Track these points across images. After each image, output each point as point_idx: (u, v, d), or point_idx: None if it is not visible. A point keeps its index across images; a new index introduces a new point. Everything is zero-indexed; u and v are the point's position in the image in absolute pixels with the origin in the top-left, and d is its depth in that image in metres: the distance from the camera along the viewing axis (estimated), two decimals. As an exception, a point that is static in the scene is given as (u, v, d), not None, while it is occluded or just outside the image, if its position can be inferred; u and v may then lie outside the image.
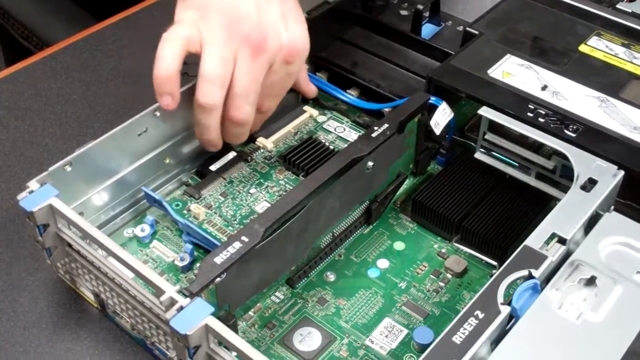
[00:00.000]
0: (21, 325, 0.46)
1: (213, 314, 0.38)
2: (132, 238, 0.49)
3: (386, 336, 0.44)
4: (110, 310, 0.45)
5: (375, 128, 0.47)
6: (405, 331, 0.44)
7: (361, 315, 0.45)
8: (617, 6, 0.58)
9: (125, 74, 0.63)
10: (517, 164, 0.49)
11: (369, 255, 0.48)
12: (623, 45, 0.54)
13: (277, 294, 0.46)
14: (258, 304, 0.45)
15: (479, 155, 0.50)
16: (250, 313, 0.45)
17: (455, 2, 0.62)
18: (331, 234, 0.48)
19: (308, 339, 0.43)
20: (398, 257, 0.48)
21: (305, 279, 0.47)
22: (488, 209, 0.48)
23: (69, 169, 0.45)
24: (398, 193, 0.51)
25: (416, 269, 0.47)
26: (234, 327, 0.42)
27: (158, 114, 0.48)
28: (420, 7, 0.58)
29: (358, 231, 0.49)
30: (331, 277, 0.47)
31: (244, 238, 0.40)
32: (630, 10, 0.57)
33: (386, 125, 0.47)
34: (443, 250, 0.48)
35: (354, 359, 0.42)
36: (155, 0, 0.70)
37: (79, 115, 0.59)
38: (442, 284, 0.46)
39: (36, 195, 0.43)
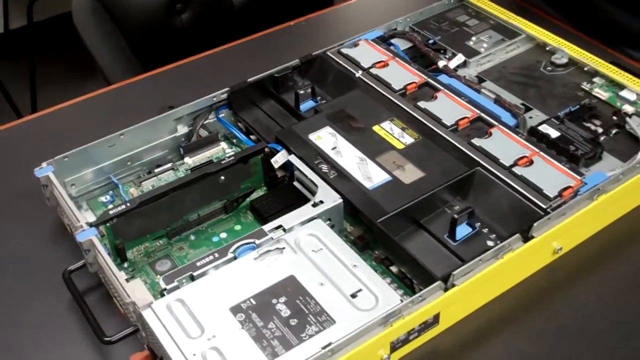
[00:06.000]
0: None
1: (112, 242, 0.77)
2: (102, 202, 0.89)
3: (202, 269, 0.81)
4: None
5: (225, 159, 0.84)
6: (212, 268, 0.81)
7: (194, 257, 0.82)
8: (418, 104, 0.90)
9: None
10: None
11: (217, 229, 0.85)
12: (402, 128, 0.87)
13: (160, 240, 0.84)
14: (145, 244, 0.83)
15: (296, 183, 0.86)
16: (140, 247, 0.83)
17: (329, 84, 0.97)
18: (197, 214, 0.85)
19: (164, 265, 0.81)
20: (233, 232, 0.85)
21: (179, 235, 0.84)
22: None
23: (66, 159, 0.86)
24: (252, 197, 0.88)
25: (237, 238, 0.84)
26: (123, 251, 0.80)
27: (122, 136, 0.88)
28: (300, 91, 0.94)
29: (219, 216, 0.86)
30: (192, 237, 0.84)
31: (128, 204, 0.79)
32: (425, 108, 0.90)
33: (232, 158, 0.84)
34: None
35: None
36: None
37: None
38: (246, 249, 0.83)
39: (43, 170, 0.84)
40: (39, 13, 2.35)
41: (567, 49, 0.98)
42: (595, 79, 0.95)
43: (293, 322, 0.67)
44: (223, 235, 0.84)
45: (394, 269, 0.78)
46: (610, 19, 1.14)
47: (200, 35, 1.37)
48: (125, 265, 0.81)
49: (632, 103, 0.91)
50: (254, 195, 0.88)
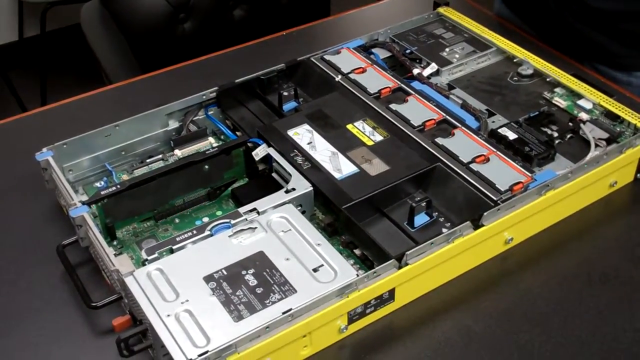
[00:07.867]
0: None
1: (103, 220, 0.85)
2: (96, 187, 0.97)
3: (184, 248, 0.88)
4: (72, 216, 0.93)
5: (209, 149, 0.92)
6: (193, 248, 0.88)
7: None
8: (390, 106, 0.98)
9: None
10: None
11: (200, 214, 0.93)
12: (373, 127, 0.95)
13: (147, 222, 0.92)
14: (134, 224, 0.91)
15: (274, 174, 0.94)
16: (129, 227, 0.91)
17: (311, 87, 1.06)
18: (182, 200, 0.93)
19: (149, 243, 0.89)
20: (214, 216, 0.92)
21: (166, 218, 0.92)
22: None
23: (65, 146, 0.94)
24: (234, 186, 0.96)
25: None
26: (112, 229, 0.88)
27: (118, 127, 0.97)
28: (284, 93, 1.02)
29: (203, 202, 0.94)
30: (177, 220, 0.92)
31: (119, 186, 0.87)
32: (396, 110, 0.98)
33: (215, 149, 0.92)
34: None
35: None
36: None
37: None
38: (225, 232, 0.90)
39: (43, 154, 0.92)
40: (53, 23, 2.46)
41: (532, 61, 1.06)
42: (557, 89, 1.03)
43: (259, 290, 0.75)
44: (205, 219, 0.92)
45: (357, 252, 0.85)
46: (582, 37, 1.22)
47: (200, 43, 1.46)
48: (115, 243, 0.89)
49: (588, 111, 0.98)
50: (236, 185, 0.96)
